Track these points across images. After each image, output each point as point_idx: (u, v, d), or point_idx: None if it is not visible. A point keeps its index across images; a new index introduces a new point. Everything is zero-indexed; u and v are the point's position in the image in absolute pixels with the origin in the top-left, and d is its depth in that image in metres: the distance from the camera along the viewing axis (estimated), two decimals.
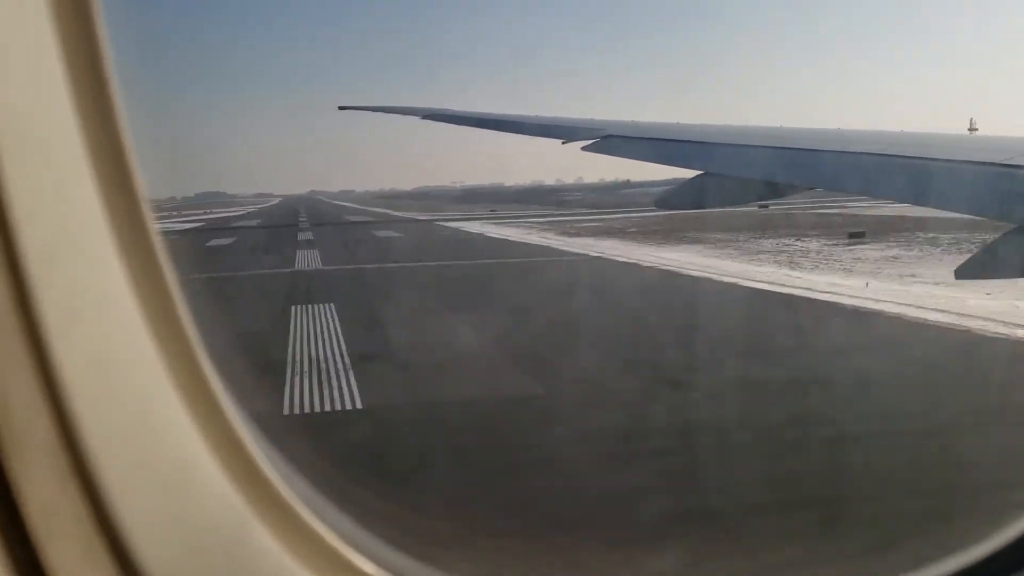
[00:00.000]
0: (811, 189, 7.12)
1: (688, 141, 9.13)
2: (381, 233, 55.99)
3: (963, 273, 6.33)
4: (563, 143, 10.91)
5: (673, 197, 8.86)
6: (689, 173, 7.95)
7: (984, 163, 5.91)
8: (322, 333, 18.22)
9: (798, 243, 42.66)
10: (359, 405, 12.34)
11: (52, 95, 1.29)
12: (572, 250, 40.63)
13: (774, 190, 7.32)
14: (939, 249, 34.86)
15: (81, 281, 1.31)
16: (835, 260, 34.87)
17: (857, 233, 46.06)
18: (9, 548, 1.23)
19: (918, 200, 6.38)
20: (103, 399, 1.30)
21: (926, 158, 6.33)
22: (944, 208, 6.02)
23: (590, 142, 10.39)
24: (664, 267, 30.95)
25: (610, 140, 10.18)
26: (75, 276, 1.30)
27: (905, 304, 20.84)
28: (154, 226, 1.42)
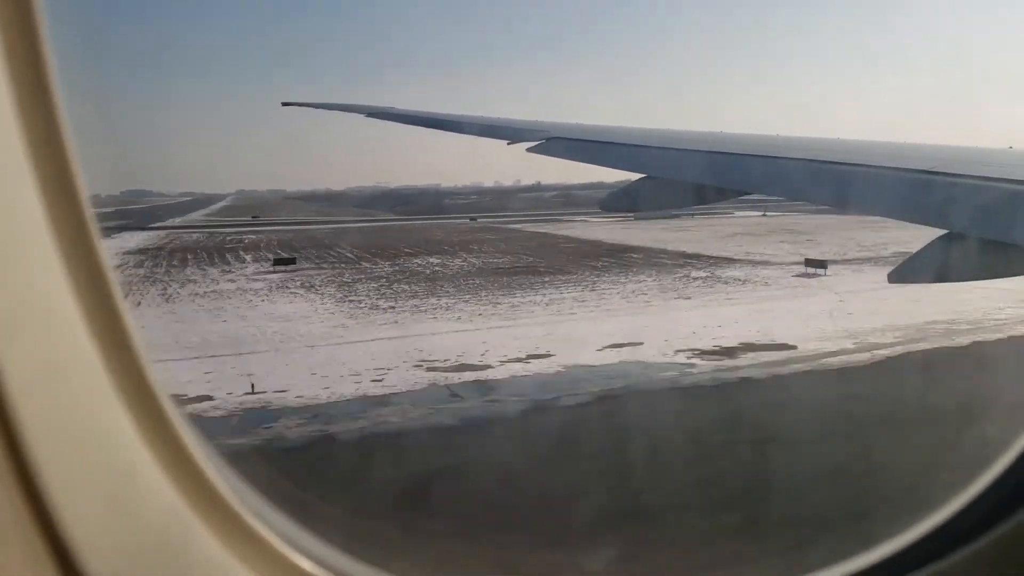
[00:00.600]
0: (743, 194, 7.32)
1: (628, 144, 9.29)
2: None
3: (895, 278, 6.60)
4: (508, 144, 10.98)
5: (614, 200, 9.01)
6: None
7: (912, 170, 6.17)
8: None
9: None
10: None
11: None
12: None
13: (711, 194, 7.51)
14: None
15: (25, 285, 1.31)
16: None
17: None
18: None
19: (843, 205, 6.63)
20: (47, 406, 1.29)
21: (854, 164, 6.58)
22: (869, 213, 6.28)
23: (535, 143, 10.48)
24: None
25: (554, 142, 10.29)
26: (18, 280, 1.30)
27: None
28: (97, 230, 1.42)
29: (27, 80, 1.31)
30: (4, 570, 1.25)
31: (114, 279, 1.44)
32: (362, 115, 13.97)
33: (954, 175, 5.83)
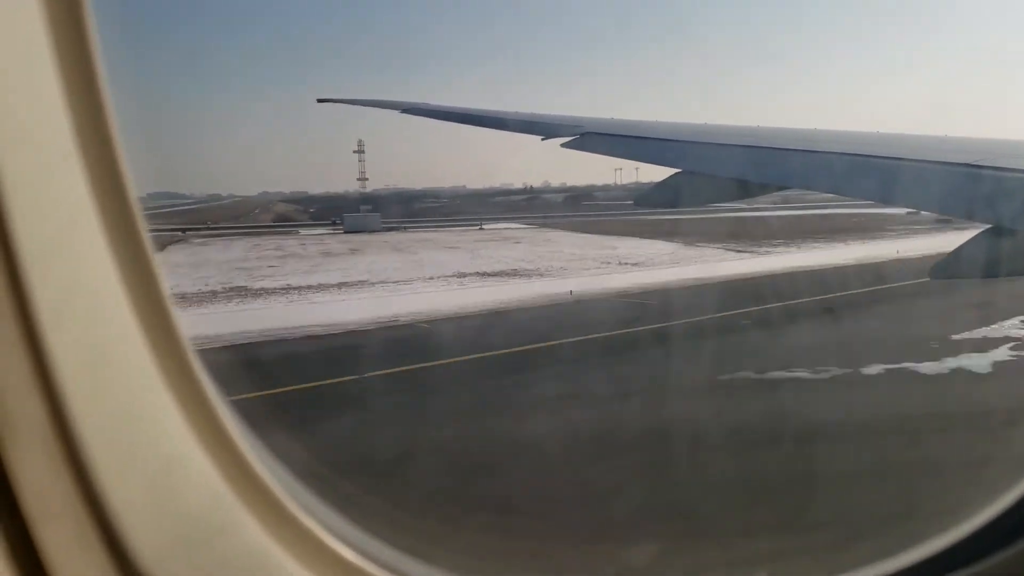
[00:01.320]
0: (784, 189, 7.23)
1: (665, 139, 9.22)
2: None
3: (936, 273, 6.47)
4: (543, 139, 10.96)
5: (651, 195, 8.95)
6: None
7: (954, 164, 6.04)
8: None
9: None
10: None
11: (45, 94, 1.33)
12: None
13: (748, 189, 7.42)
14: None
15: (74, 276, 1.35)
16: None
17: None
18: (5, 531, 1.28)
19: (888, 200, 6.51)
20: (95, 390, 1.34)
21: (897, 158, 6.46)
22: (914, 207, 6.15)
23: (569, 139, 10.44)
24: None
25: (589, 137, 10.25)
26: (68, 271, 1.34)
27: None
28: (143, 223, 1.46)
29: (79, 84, 1.36)
30: (56, 546, 1.29)
31: (159, 269, 1.48)
32: (397, 111, 14.03)
33: (1000, 168, 5.69)
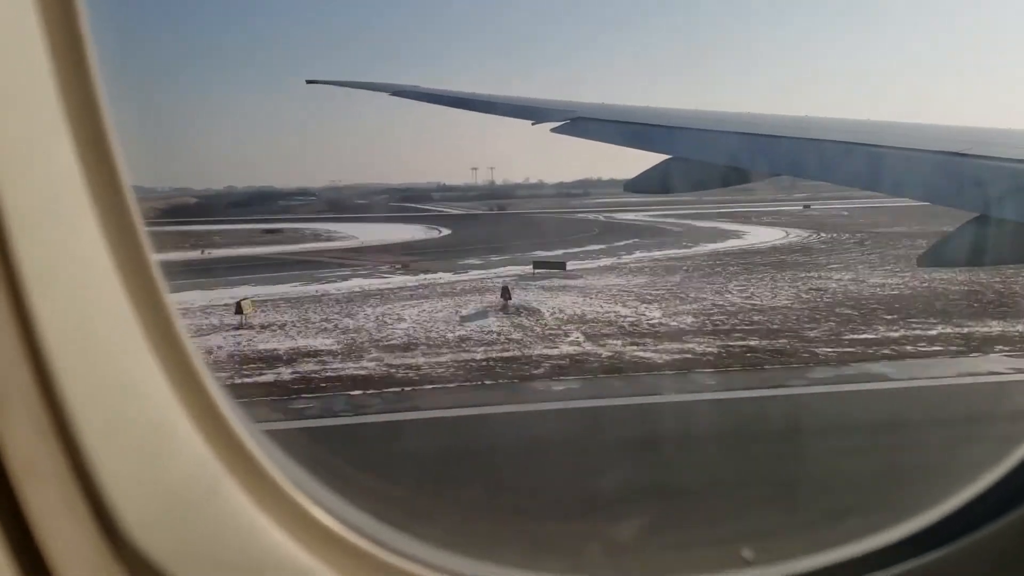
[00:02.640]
0: (775, 175, 7.24)
1: (656, 125, 9.22)
2: None
3: (924, 262, 6.51)
4: (533, 124, 10.92)
5: (641, 181, 8.96)
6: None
7: (941, 152, 6.07)
8: None
9: None
10: None
11: (40, 89, 1.33)
12: None
13: (739, 175, 7.43)
14: None
15: (60, 244, 1.35)
16: None
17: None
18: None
19: (875, 187, 6.54)
20: (82, 358, 1.35)
21: (885, 146, 6.49)
22: (901, 196, 6.18)
23: (559, 124, 10.41)
24: None
25: (580, 122, 10.21)
26: (56, 242, 1.34)
27: None
28: (131, 195, 1.46)
29: (73, 78, 1.37)
30: (43, 512, 1.29)
31: (146, 237, 1.48)
32: (387, 94, 13.93)
33: (987, 157, 5.73)
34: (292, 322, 29.48)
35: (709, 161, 7.76)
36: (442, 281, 39.98)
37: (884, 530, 2.08)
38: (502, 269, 44.06)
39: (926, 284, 34.94)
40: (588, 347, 24.40)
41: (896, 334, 25.27)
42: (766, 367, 21.74)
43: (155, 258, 1.49)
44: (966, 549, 1.90)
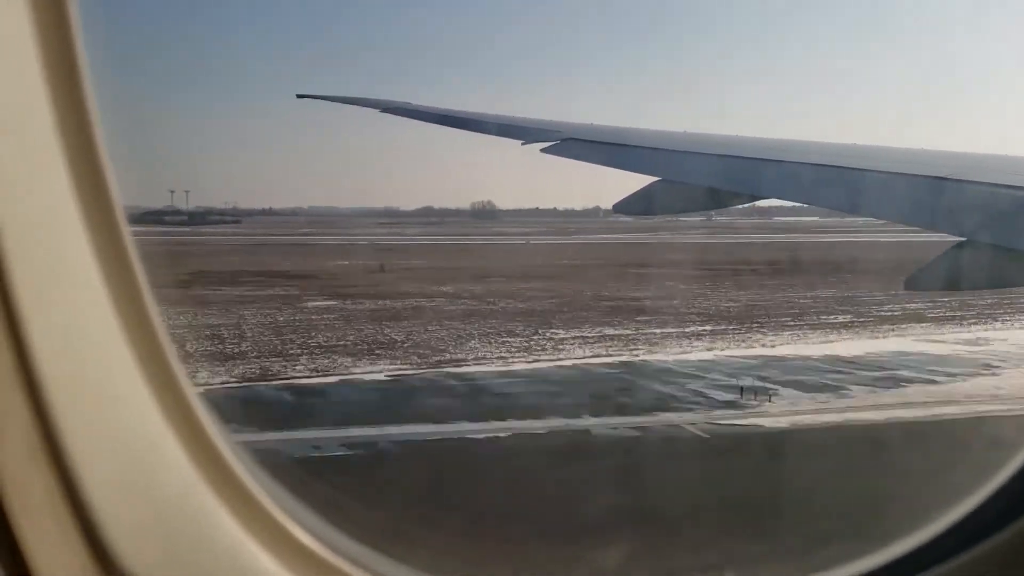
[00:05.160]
0: (753, 199, 7.33)
1: (644, 147, 9.31)
2: None
3: (912, 285, 6.56)
4: (523, 144, 10.98)
5: (628, 204, 9.04)
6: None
7: (926, 176, 6.14)
8: None
9: None
10: None
11: (32, 100, 1.36)
12: None
13: (721, 199, 7.51)
14: None
15: (54, 270, 1.38)
16: None
17: None
18: None
19: (855, 211, 6.63)
20: (71, 376, 1.38)
21: (867, 170, 6.58)
22: (881, 218, 6.28)
23: (549, 144, 10.47)
24: None
25: (569, 143, 10.28)
26: (48, 266, 1.37)
27: None
28: (123, 217, 1.49)
29: (64, 89, 1.39)
30: (35, 537, 1.32)
31: (138, 263, 1.51)
32: (377, 110, 13.98)
33: (969, 181, 5.82)
34: None
35: (693, 184, 7.83)
36: None
37: (881, 548, 2.08)
38: None
39: None
40: None
41: None
42: None
43: (146, 281, 1.52)
44: (965, 566, 1.90)
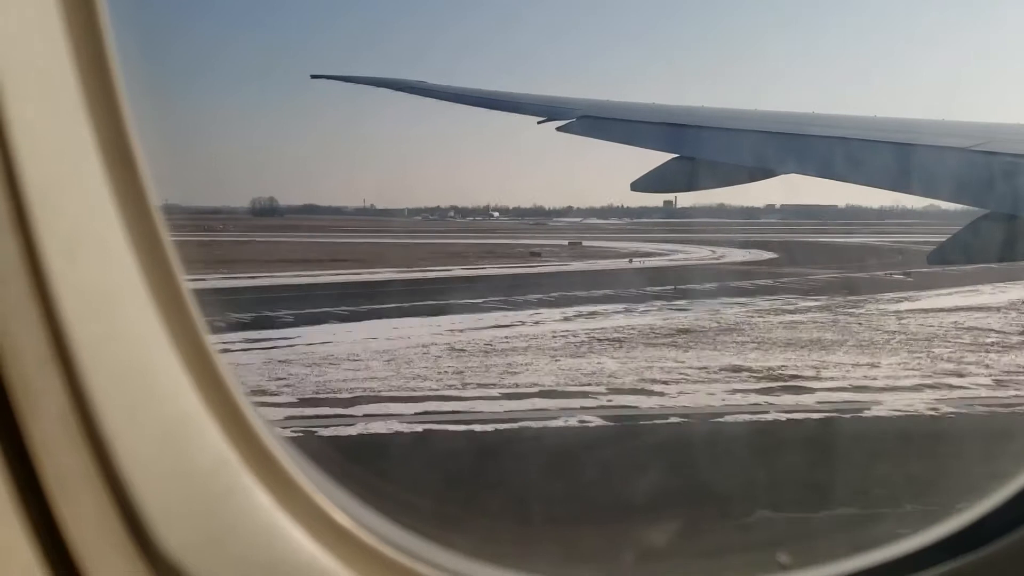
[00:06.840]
0: (777, 174, 7.19)
1: (662, 123, 9.17)
2: None
3: (934, 259, 6.47)
4: (539, 123, 10.83)
5: (645, 181, 8.94)
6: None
7: (957, 148, 6.00)
8: None
9: None
10: None
11: (65, 101, 1.36)
12: None
13: (743, 175, 7.39)
14: None
15: (84, 217, 1.38)
16: None
17: None
18: (27, 508, 1.31)
19: (888, 185, 6.50)
20: (107, 358, 1.37)
21: (898, 143, 6.45)
22: (913, 193, 6.15)
23: (565, 122, 10.33)
24: None
25: (585, 120, 10.14)
26: (78, 211, 1.36)
27: None
28: (153, 194, 1.48)
29: (97, 90, 1.39)
30: (75, 517, 1.33)
31: (169, 239, 1.50)
32: (392, 90, 13.89)
33: (1001, 153, 5.69)
34: None
35: (714, 159, 7.71)
36: None
37: (882, 547, 2.07)
38: None
39: None
40: None
41: None
42: None
43: (179, 261, 1.51)
44: (965, 568, 1.89)
